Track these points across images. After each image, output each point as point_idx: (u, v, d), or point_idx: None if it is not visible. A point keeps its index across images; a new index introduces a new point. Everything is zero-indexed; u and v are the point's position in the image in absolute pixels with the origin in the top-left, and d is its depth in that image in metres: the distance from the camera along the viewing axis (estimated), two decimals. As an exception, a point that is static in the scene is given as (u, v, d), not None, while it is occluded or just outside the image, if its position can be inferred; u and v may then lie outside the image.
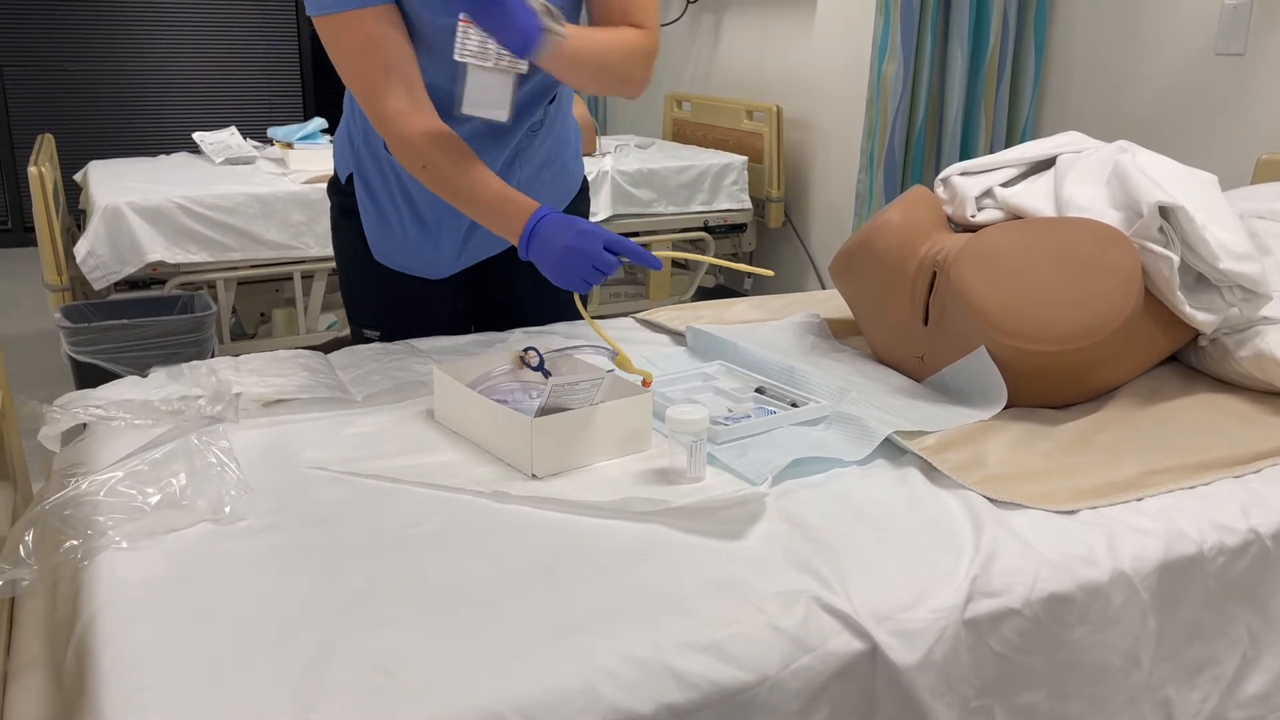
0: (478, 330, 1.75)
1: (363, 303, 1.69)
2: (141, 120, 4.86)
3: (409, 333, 1.64)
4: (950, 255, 1.39)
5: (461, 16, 1.30)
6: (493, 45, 1.30)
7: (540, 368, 1.36)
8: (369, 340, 1.66)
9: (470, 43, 1.32)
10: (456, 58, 1.32)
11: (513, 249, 1.67)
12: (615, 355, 1.42)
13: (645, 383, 1.22)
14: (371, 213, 1.61)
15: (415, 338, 1.62)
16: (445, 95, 1.44)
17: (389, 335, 1.66)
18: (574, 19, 1.46)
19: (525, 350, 1.38)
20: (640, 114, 4.85)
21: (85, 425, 1.33)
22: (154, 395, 1.32)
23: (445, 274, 1.65)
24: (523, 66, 1.34)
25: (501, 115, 1.36)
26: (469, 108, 1.35)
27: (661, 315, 1.76)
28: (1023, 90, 2.92)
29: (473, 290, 1.73)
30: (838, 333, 1.69)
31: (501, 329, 1.69)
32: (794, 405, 1.32)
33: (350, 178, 1.62)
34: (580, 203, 1.75)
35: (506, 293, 1.72)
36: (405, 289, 1.65)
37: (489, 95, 1.35)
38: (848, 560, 1.00)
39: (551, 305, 1.72)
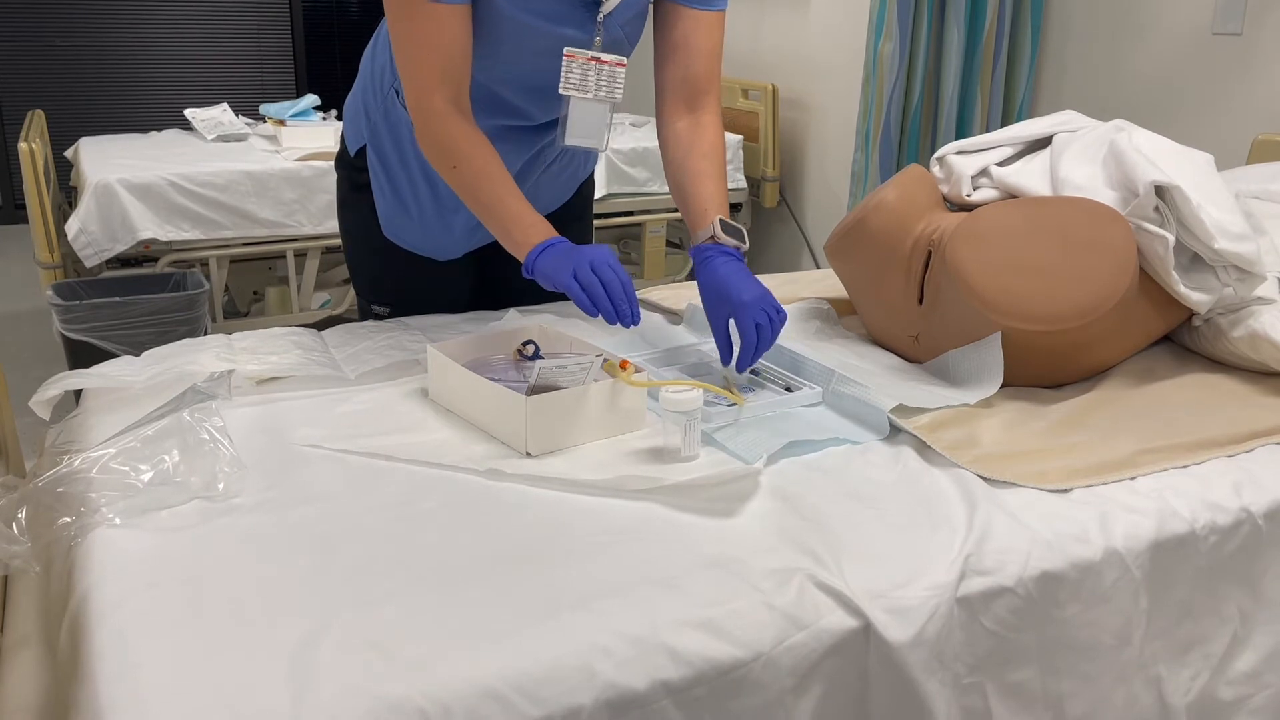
0: (483, 308, 1.75)
1: (372, 279, 1.68)
2: (132, 96, 4.82)
3: (418, 309, 1.64)
4: (946, 234, 1.38)
5: (566, 51, 1.34)
6: (593, 76, 1.32)
7: (535, 357, 1.36)
8: (379, 316, 1.66)
9: (573, 75, 1.34)
10: (561, 91, 1.36)
11: None
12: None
13: (624, 364, 1.22)
14: (386, 189, 1.59)
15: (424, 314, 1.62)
16: (488, 95, 1.43)
17: (398, 312, 1.65)
18: (635, 36, 1.47)
19: (524, 344, 1.37)
20: (635, 93, 4.81)
21: (78, 402, 1.32)
22: (147, 373, 1.32)
23: (454, 256, 1.65)
24: (618, 96, 1.37)
25: (599, 144, 1.39)
26: (570, 138, 1.39)
27: (657, 294, 1.75)
28: (1019, 69, 2.91)
29: (480, 269, 1.72)
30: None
31: (501, 308, 1.69)
32: (788, 389, 1.32)
33: (361, 151, 1.59)
34: (587, 184, 1.76)
35: (514, 271, 1.71)
36: (415, 266, 1.64)
37: (588, 125, 1.38)
38: (842, 538, 1.00)
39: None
